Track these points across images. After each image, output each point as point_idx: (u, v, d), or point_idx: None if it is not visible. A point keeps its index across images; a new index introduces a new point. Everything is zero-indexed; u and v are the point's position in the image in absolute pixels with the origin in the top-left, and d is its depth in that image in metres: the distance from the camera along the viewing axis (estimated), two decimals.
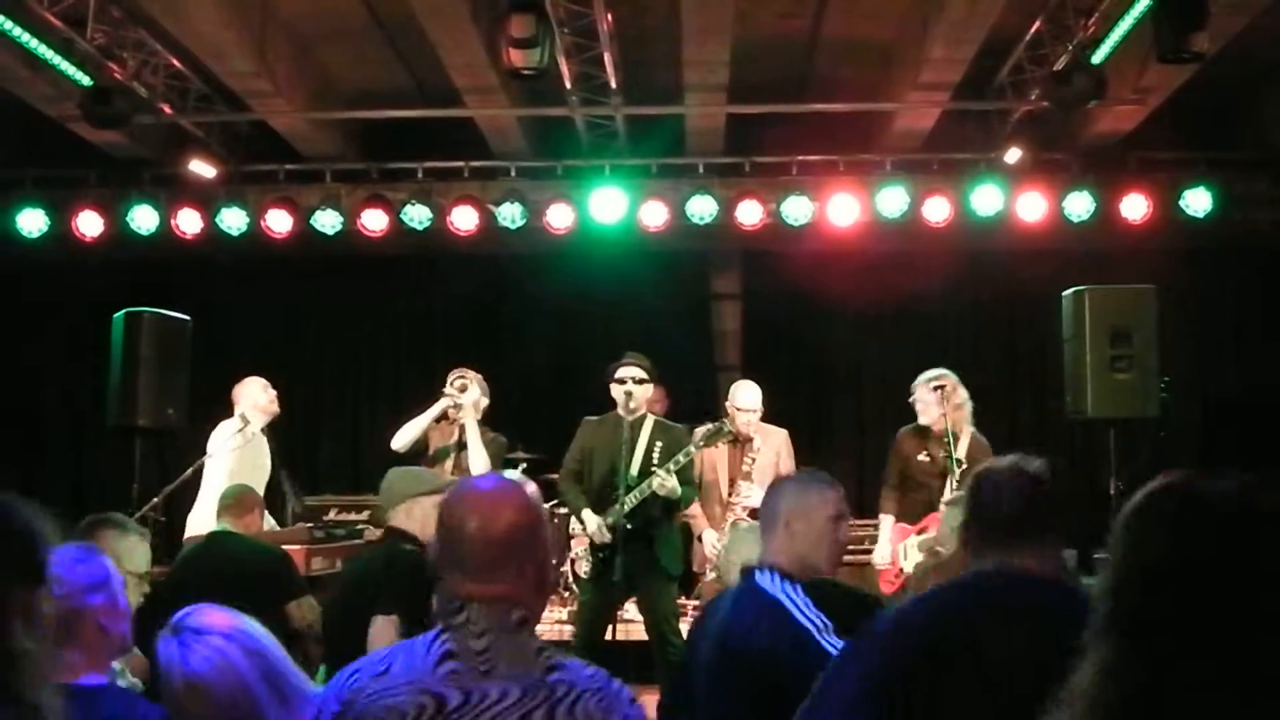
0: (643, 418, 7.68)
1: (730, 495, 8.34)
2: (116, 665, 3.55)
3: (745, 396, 8.36)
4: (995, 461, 3.19)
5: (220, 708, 2.97)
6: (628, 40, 8.96)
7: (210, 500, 7.77)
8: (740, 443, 8.37)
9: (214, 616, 3.15)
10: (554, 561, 2.54)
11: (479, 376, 8.14)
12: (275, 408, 8.41)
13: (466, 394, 7.93)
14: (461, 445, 7.95)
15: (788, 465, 8.37)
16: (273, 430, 8.63)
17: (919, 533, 7.94)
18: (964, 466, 7.84)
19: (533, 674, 2.46)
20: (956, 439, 8.02)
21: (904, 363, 11.89)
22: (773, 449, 8.46)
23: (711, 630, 3.86)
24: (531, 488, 2.66)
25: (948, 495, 7.74)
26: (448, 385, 8.00)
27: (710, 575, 8.19)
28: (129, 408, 8.78)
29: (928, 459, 8.12)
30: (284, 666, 3.12)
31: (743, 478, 8.35)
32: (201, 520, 7.82)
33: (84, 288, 11.63)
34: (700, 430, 7.79)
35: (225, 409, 8.38)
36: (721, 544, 7.95)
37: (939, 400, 8.09)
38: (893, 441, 8.40)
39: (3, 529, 2.11)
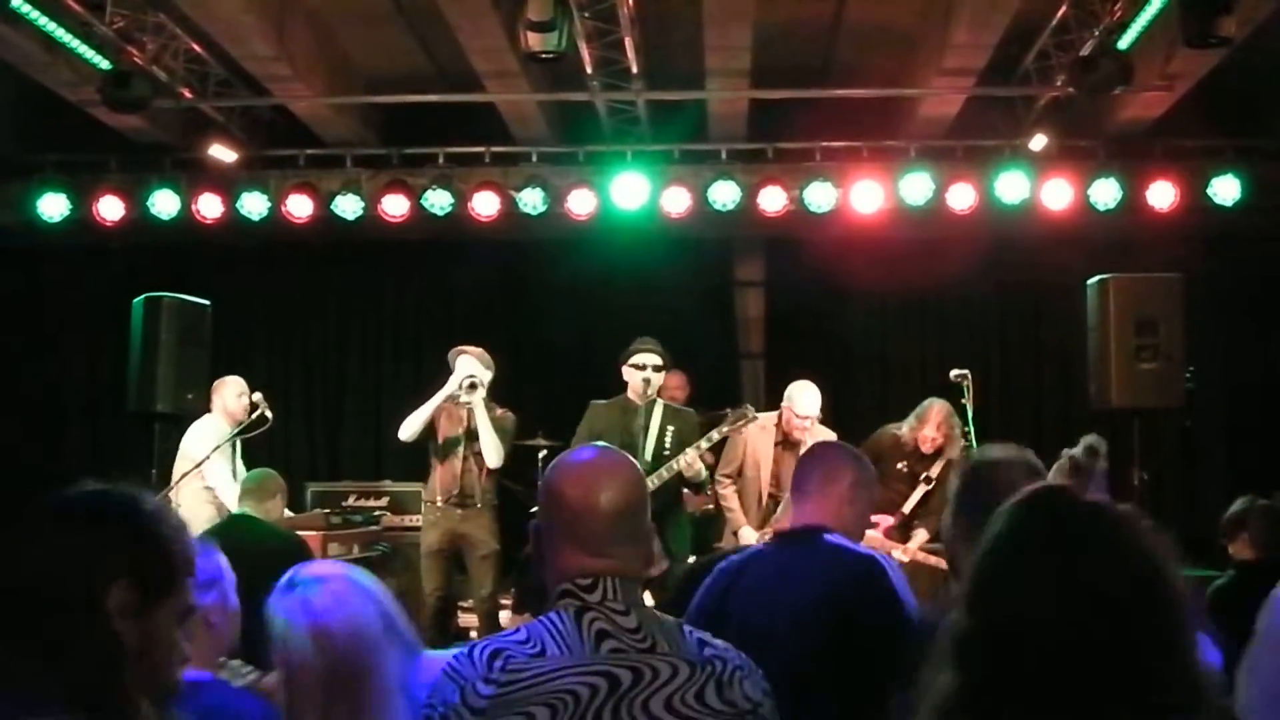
0: (653, 402, 7.64)
1: (776, 492, 8.10)
2: (235, 663, 3.60)
3: (804, 402, 8.08)
4: (988, 451, 3.10)
5: (343, 654, 2.94)
6: (649, 24, 8.89)
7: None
8: (792, 445, 8.12)
9: (327, 567, 3.20)
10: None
11: (480, 351, 8.12)
12: (243, 416, 8.38)
13: (475, 393, 7.90)
14: (472, 432, 7.91)
15: None
16: (293, 416, 8.68)
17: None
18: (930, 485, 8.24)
19: (691, 649, 2.43)
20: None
21: (928, 351, 11.92)
22: None
23: (779, 589, 3.73)
24: (632, 459, 2.63)
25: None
26: (456, 381, 7.94)
27: None
28: (148, 393, 8.77)
29: (904, 468, 8.36)
30: (397, 612, 3.09)
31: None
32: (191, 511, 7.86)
33: (105, 272, 11.64)
34: (732, 414, 7.71)
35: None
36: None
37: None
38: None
39: (173, 523, 2.12)
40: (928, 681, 1.90)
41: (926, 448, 8.28)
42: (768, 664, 2.55)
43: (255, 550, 6.05)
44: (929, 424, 8.22)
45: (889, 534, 8.24)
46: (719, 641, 2.49)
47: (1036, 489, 2.00)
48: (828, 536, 3.78)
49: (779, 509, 7.94)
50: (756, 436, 8.14)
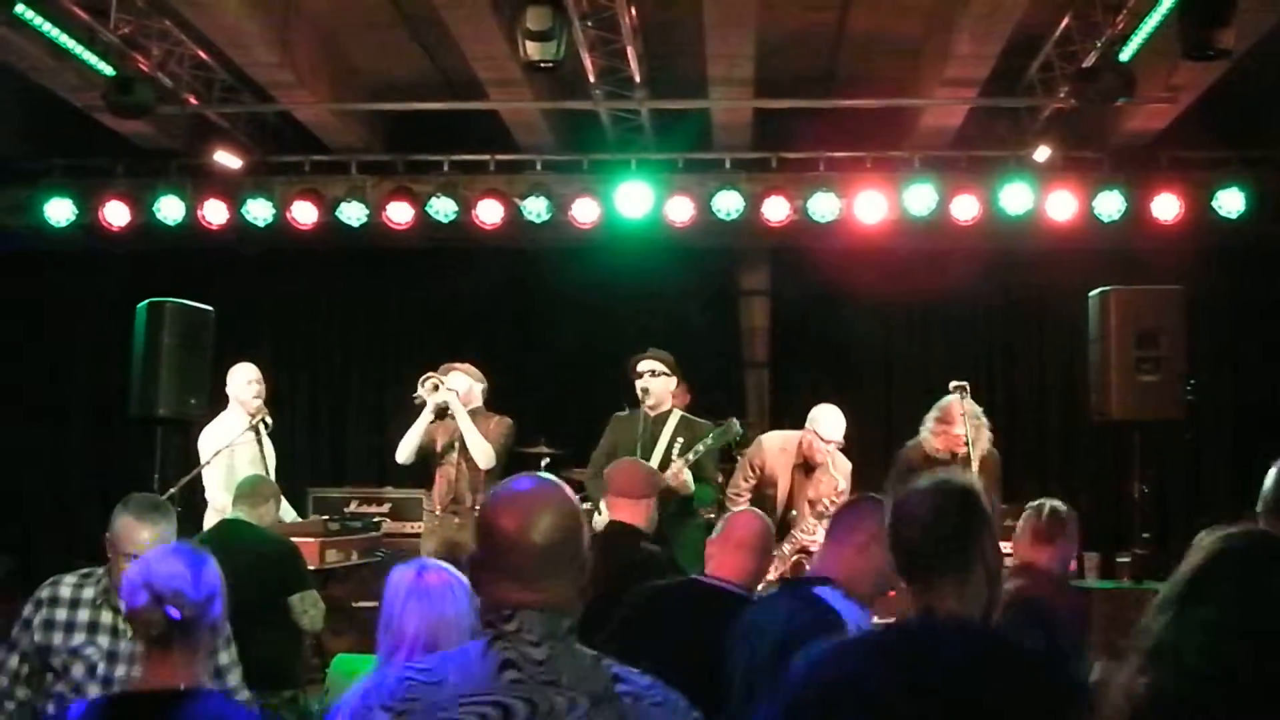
0: (667, 413, 7.60)
1: (794, 524, 8.02)
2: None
3: (829, 426, 7.94)
4: (916, 484, 3.05)
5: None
6: (651, 33, 8.91)
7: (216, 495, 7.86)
8: (811, 469, 8.06)
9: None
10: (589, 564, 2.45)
11: (468, 367, 8.09)
12: (255, 403, 8.26)
13: (437, 394, 7.86)
14: (463, 440, 7.91)
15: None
16: (298, 422, 8.69)
17: None
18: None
19: (598, 684, 2.38)
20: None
21: (932, 361, 11.91)
22: (845, 480, 8.13)
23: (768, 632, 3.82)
24: (568, 489, 2.58)
25: None
26: (420, 388, 7.93)
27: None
28: (151, 398, 8.78)
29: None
30: None
31: (814, 514, 8.01)
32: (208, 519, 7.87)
33: (110, 277, 11.68)
34: (718, 429, 7.62)
35: None
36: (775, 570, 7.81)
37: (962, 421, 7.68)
38: (896, 459, 7.97)
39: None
40: None
41: (962, 448, 7.81)
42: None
43: (244, 555, 6.06)
44: (956, 422, 7.81)
45: None
46: (644, 678, 2.44)
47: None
48: (818, 589, 3.79)
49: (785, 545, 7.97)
50: (775, 457, 8.06)
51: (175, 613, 3.01)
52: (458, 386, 7.92)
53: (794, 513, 8.13)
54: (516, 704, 2.31)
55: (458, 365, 8.11)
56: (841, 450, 8.09)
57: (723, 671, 3.90)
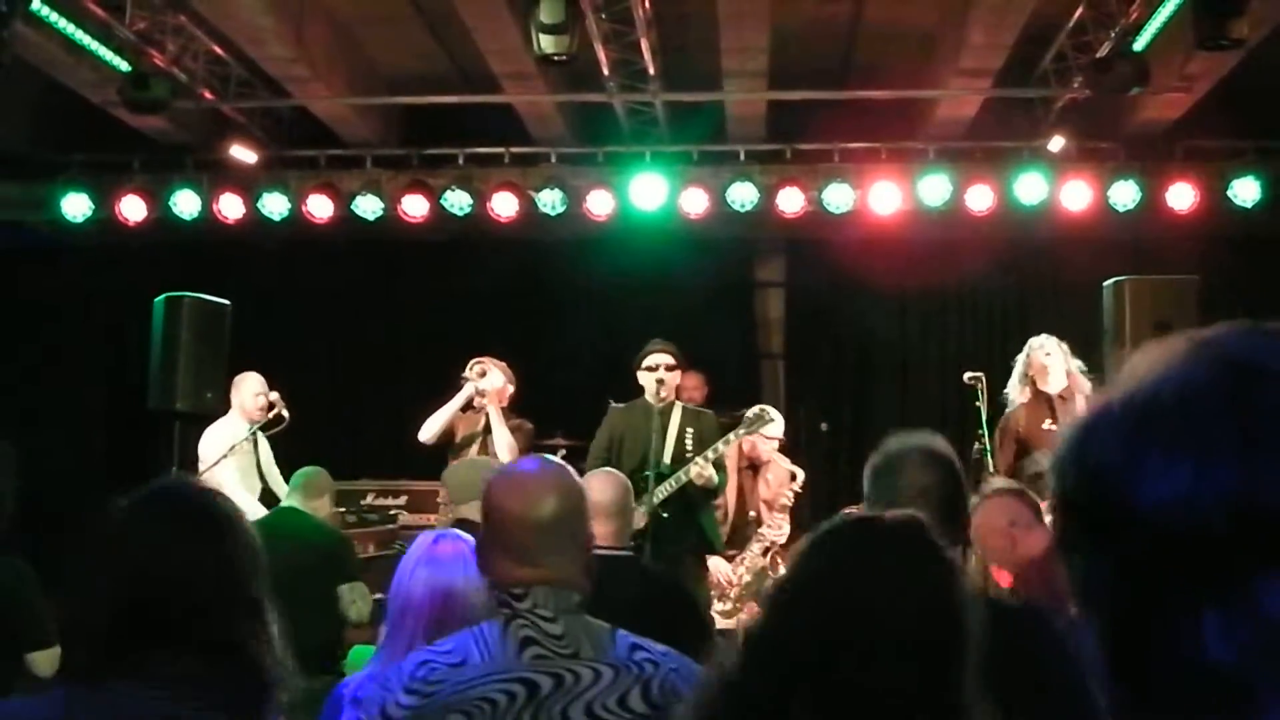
0: (671, 404, 7.62)
1: (754, 525, 8.09)
2: None
3: (776, 425, 7.99)
4: (900, 440, 3.08)
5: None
6: (665, 26, 8.92)
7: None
8: (757, 469, 8.18)
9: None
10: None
11: (503, 365, 8.14)
12: (259, 415, 8.35)
13: (486, 379, 7.92)
14: (487, 432, 7.94)
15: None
16: (314, 415, 8.72)
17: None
18: None
19: (618, 654, 2.45)
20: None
21: (946, 352, 11.90)
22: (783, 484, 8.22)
23: None
24: (570, 469, 2.66)
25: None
26: (467, 371, 7.99)
27: (722, 606, 7.80)
28: (168, 391, 8.84)
29: (1052, 426, 7.55)
30: None
31: (778, 509, 8.09)
32: None
33: (126, 272, 11.71)
34: (748, 414, 7.65)
35: None
36: (740, 574, 7.87)
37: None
38: (1003, 423, 7.87)
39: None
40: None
41: (1062, 388, 7.68)
42: None
43: (293, 542, 6.14)
44: (1057, 363, 7.70)
45: None
46: (658, 646, 2.50)
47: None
48: None
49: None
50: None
51: None
52: (494, 384, 7.96)
53: (752, 513, 8.17)
54: (542, 678, 2.38)
55: (497, 362, 8.14)
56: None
57: None
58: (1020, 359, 7.88)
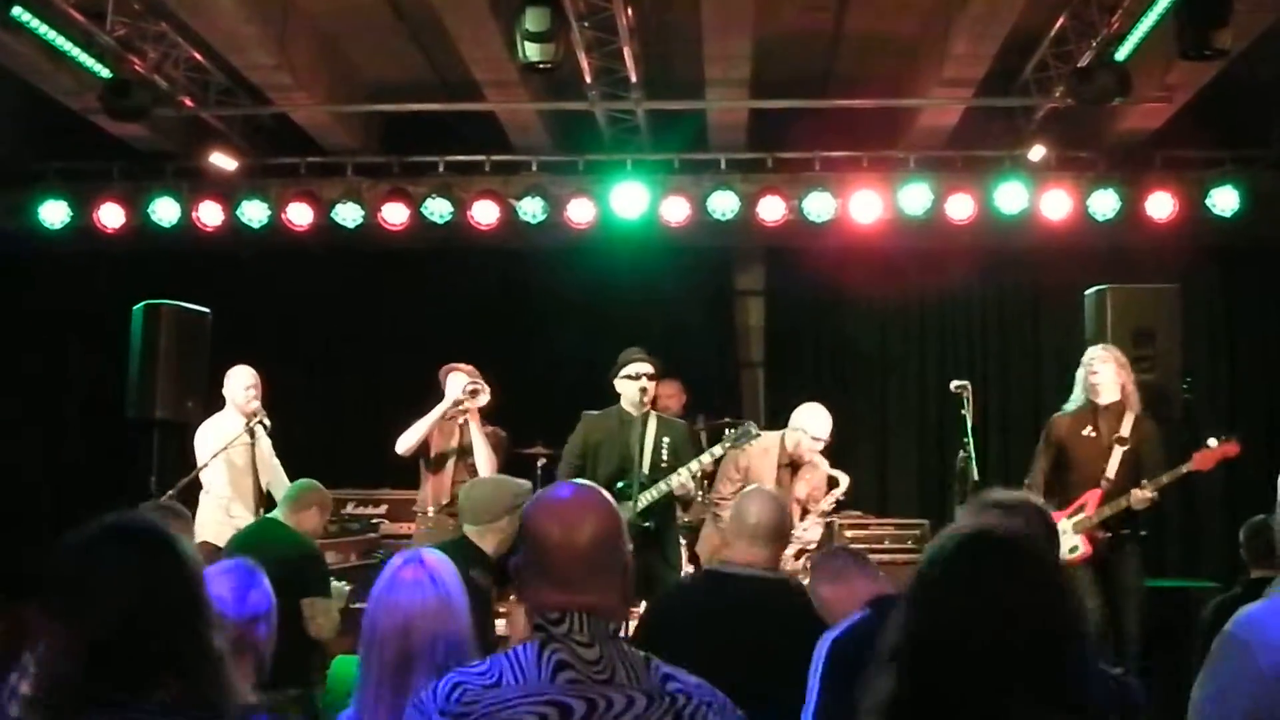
0: (647, 414, 7.62)
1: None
2: None
3: (818, 425, 8.03)
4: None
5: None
6: (648, 34, 8.92)
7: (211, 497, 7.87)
8: (797, 468, 8.14)
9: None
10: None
11: (472, 369, 8.11)
12: (251, 406, 8.27)
13: (477, 399, 7.89)
14: (465, 447, 7.91)
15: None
16: (294, 424, 8.68)
17: (1071, 514, 7.61)
18: (1126, 445, 7.61)
19: (652, 683, 2.44)
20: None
21: (927, 361, 11.93)
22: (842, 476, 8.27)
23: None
24: (607, 494, 2.66)
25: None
26: (458, 389, 7.91)
27: None
28: (148, 400, 8.82)
29: (1092, 433, 7.71)
30: None
31: (815, 512, 8.13)
32: (207, 516, 7.86)
33: (105, 279, 11.65)
34: (735, 431, 7.65)
35: None
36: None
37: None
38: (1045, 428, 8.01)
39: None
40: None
41: (1117, 397, 7.75)
42: None
43: (265, 553, 6.05)
44: (1107, 377, 7.73)
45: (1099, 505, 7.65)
46: (690, 678, 2.49)
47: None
48: None
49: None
50: (759, 459, 8.06)
51: None
52: (483, 403, 7.93)
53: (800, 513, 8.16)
54: (575, 702, 2.37)
55: (462, 367, 8.08)
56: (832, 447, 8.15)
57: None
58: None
